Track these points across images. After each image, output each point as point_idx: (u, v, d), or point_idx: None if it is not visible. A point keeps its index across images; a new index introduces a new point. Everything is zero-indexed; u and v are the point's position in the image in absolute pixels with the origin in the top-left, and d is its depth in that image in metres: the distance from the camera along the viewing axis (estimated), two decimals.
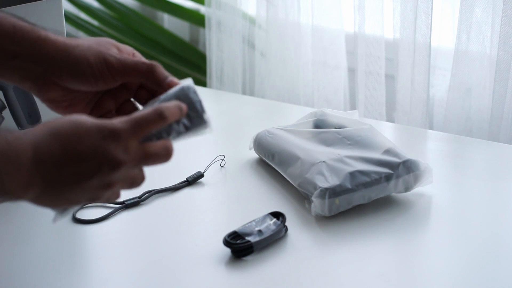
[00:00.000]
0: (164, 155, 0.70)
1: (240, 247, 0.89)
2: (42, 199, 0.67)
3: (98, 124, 0.67)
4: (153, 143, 0.69)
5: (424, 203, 1.01)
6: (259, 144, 1.12)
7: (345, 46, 1.80)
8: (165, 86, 0.77)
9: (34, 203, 0.67)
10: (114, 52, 0.76)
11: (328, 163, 1.00)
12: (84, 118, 0.67)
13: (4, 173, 0.64)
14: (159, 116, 0.69)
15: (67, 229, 0.96)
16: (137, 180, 0.70)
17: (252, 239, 0.90)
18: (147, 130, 0.69)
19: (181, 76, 1.86)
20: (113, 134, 0.67)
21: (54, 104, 0.78)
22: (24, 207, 1.01)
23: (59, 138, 0.66)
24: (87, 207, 1.00)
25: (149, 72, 0.76)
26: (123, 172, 0.68)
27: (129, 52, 0.79)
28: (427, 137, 1.28)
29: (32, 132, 0.66)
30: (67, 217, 0.97)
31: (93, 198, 0.68)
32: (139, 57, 0.79)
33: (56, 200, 0.67)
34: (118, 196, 0.71)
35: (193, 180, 1.08)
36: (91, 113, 0.79)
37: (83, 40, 0.78)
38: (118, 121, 0.67)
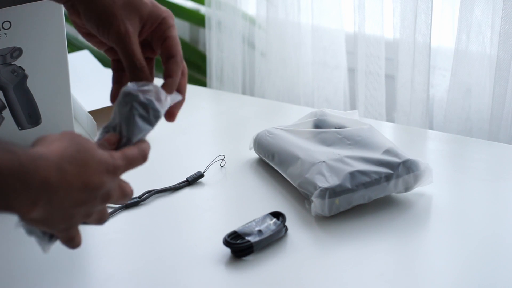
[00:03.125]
0: (128, 198, 0.75)
1: (240, 247, 0.89)
2: (41, 221, 0.69)
3: (105, 158, 0.71)
4: (127, 185, 0.75)
5: (424, 203, 1.01)
6: (259, 144, 1.12)
7: (345, 46, 1.79)
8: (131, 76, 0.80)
9: (33, 224, 0.69)
10: (132, 22, 0.79)
11: (328, 163, 1.00)
12: (95, 149, 0.71)
13: (11, 190, 0.64)
14: (143, 158, 0.75)
15: None
16: (103, 218, 0.75)
17: (252, 239, 0.90)
18: (133, 167, 0.74)
19: None
20: (114, 170, 0.71)
21: (76, 26, 0.83)
22: None
23: (75, 166, 0.68)
24: None
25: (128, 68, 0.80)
26: (104, 206, 0.73)
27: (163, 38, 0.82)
28: (427, 137, 1.28)
29: (47, 154, 0.67)
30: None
31: (70, 226, 0.72)
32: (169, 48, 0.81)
33: (46, 223, 0.69)
34: (94, 223, 0.74)
35: (193, 180, 1.07)
36: (107, 51, 0.84)
37: None
38: (118, 157, 0.72)
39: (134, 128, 0.76)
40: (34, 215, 0.67)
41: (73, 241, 0.73)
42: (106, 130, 0.77)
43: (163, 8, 0.82)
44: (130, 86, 0.77)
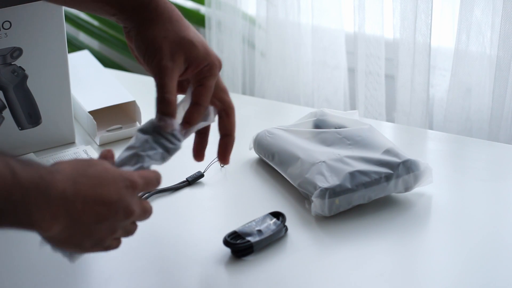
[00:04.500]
0: (148, 214, 0.78)
1: (240, 247, 0.89)
2: (58, 237, 0.70)
3: (122, 174, 0.73)
4: (147, 202, 0.78)
5: (424, 203, 1.01)
6: (259, 144, 1.12)
7: (345, 46, 1.79)
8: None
9: (53, 240, 0.71)
10: (176, 62, 0.83)
11: (328, 163, 1.00)
12: (109, 166, 0.74)
13: (33, 203, 0.66)
14: (157, 181, 0.79)
15: None
16: (131, 231, 0.77)
17: (252, 239, 0.90)
18: (150, 188, 0.78)
19: None
20: (133, 185, 0.73)
21: (130, 48, 0.87)
22: None
23: (88, 178, 0.70)
24: None
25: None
26: (129, 221, 0.75)
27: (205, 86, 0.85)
28: (427, 137, 1.28)
29: (63, 168, 0.70)
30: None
31: (98, 243, 0.73)
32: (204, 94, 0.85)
33: (70, 240, 0.71)
34: (118, 245, 0.77)
35: (193, 180, 1.07)
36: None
37: (179, 29, 0.84)
38: (136, 175, 0.75)
39: (151, 155, 0.80)
40: (55, 230, 0.68)
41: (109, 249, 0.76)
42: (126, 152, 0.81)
43: (214, 55, 0.85)
44: (155, 118, 0.82)
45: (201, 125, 0.86)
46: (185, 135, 0.84)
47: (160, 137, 0.81)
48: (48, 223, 0.67)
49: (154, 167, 0.81)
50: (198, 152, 0.90)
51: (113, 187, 0.71)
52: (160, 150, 0.81)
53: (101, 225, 0.71)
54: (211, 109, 0.86)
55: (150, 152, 0.80)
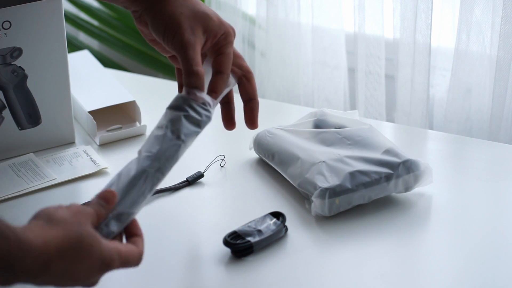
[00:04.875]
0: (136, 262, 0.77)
1: (240, 247, 0.89)
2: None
3: (102, 252, 0.71)
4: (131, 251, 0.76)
5: (424, 203, 1.01)
6: (259, 144, 1.12)
7: (345, 46, 1.79)
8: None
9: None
10: (196, 32, 0.84)
11: (328, 163, 1.00)
12: (97, 242, 0.71)
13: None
14: (138, 260, 0.76)
15: None
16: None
17: (252, 239, 0.90)
18: (127, 267, 0.75)
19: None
20: (108, 265, 0.72)
21: (142, 33, 0.88)
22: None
23: (63, 262, 0.69)
24: None
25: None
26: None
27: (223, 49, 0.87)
28: (427, 137, 1.28)
29: (34, 246, 0.68)
30: None
31: None
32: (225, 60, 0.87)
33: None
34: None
35: (193, 180, 1.07)
36: (171, 58, 0.90)
37: (189, 5, 0.85)
38: (115, 253, 0.73)
39: (181, 128, 0.80)
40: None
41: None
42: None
43: (227, 24, 0.87)
44: (184, 92, 0.82)
45: (224, 92, 0.87)
46: (213, 105, 0.85)
47: (191, 110, 0.82)
48: (9, 281, 0.68)
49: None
50: (229, 121, 0.92)
51: (86, 270, 0.71)
52: (191, 127, 0.82)
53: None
54: (231, 75, 0.88)
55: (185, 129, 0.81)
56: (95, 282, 0.73)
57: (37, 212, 0.72)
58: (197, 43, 0.83)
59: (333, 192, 0.96)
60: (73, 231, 0.70)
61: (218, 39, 0.86)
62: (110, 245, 0.73)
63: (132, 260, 0.75)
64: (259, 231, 0.91)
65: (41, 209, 0.72)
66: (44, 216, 0.71)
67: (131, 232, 0.78)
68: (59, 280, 0.70)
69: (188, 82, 0.82)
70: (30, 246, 0.67)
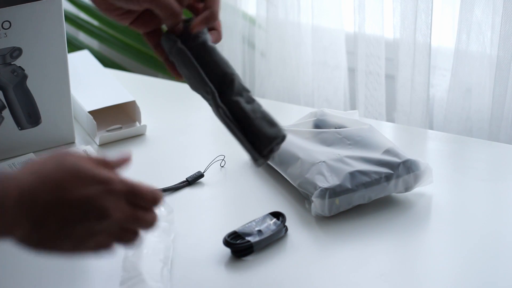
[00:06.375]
0: (143, 223, 0.71)
1: (240, 247, 0.89)
2: (28, 241, 0.66)
3: (96, 174, 0.67)
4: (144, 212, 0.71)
5: (424, 203, 1.01)
6: None
7: (345, 46, 1.79)
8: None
9: (21, 244, 0.67)
10: None
11: (328, 163, 1.00)
12: (79, 166, 0.67)
13: None
14: (153, 199, 0.71)
15: None
16: (128, 236, 0.70)
17: (252, 239, 0.90)
18: (138, 201, 0.70)
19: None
20: (108, 185, 0.68)
21: (96, 3, 0.82)
22: None
23: (48, 184, 0.66)
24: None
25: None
26: (111, 224, 0.68)
27: None
28: (427, 137, 1.28)
29: (20, 174, 0.66)
30: None
31: (78, 246, 0.68)
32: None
33: (41, 244, 0.67)
34: (107, 247, 0.70)
35: (193, 180, 1.07)
36: (132, 25, 0.84)
37: None
38: (117, 179, 0.68)
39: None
40: (18, 235, 0.66)
41: (102, 251, 0.70)
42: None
43: None
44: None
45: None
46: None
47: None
48: (8, 228, 0.65)
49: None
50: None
51: (79, 189, 0.66)
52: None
53: (72, 228, 0.67)
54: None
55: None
56: (103, 211, 0.67)
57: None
58: None
59: (333, 192, 0.96)
60: (54, 159, 0.67)
61: None
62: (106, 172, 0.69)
63: (143, 191, 0.71)
64: (259, 231, 0.91)
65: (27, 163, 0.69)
66: (28, 162, 0.68)
67: None
68: (59, 209, 0.66)
69: (174, 23, 0.81)
70: (12, 175, 0.65)
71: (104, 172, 0.68)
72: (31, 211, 0.65)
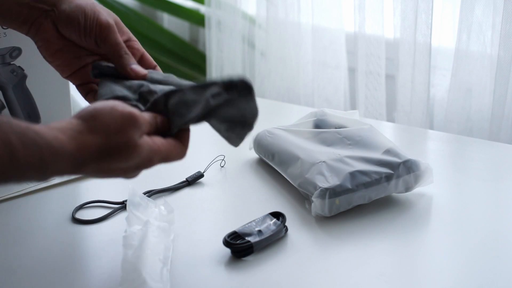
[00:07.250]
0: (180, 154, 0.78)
1: (240, 247, 0.89)
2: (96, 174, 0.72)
3: (140, 158, 0.72)
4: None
5: (424, 203, 1.01)
6: (259, 144, 1.12)
7: (345, 46, 1.80)
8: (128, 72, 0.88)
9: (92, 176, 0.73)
10: (109, 19, 0.91)
11: (328, 163, 1.00)
12: (129, 150, 0.71)
13: (29, 180, 0.68)
14: (181, 156, 0.79)
15: (66, 229, 0.96)
16: (172, 156, 0.77)
17: (252, 239, 0.90)
18: (169, 162, 0.76)
19: (181, 75, 1.85)
20: (146, 165, 0.73)
21: (44, 45, 0.85)
22: (24, 207, 1.00)
23: (96, 159, 0.69)
24: (86, 207, 1.00)
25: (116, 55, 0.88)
26: (146, 154, 0.73)
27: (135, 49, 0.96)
28: (427, 137, 1.28)
29: (68, 148, 0.68)
30: (67, 217, 0.97)
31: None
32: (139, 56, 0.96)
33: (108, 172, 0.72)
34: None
35: (193, 180, 1.07)
36: (71, 76, 0.88)
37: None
38: (155, 155, 0.74)
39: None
40: (88, 170, 0.70)
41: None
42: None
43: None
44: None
45: None
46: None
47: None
48: (73, 170, 0.69)
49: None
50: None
51: (122, 170, 0.71)
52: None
53: (118, 173, 0.72)
54: None
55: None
56: (133, 176, 0.74)
57: (81, 109, 0.71)
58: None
59: (333, 192, 0.96)
60: (112, 141, 0.70)
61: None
62: (151, 147, 0.73)
63: (174, 156, 0.77)
64: (259, 231, 0.91)
65: (87, 107, 0.71)
66: (87, 117, 0.70)
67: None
68: (93, 175, 0.71)
69: (124, 63, 0.88)
70: (63, 152, 0.67)
71: (148, 156, 0.73)
72: (88, 160, 0.69)
